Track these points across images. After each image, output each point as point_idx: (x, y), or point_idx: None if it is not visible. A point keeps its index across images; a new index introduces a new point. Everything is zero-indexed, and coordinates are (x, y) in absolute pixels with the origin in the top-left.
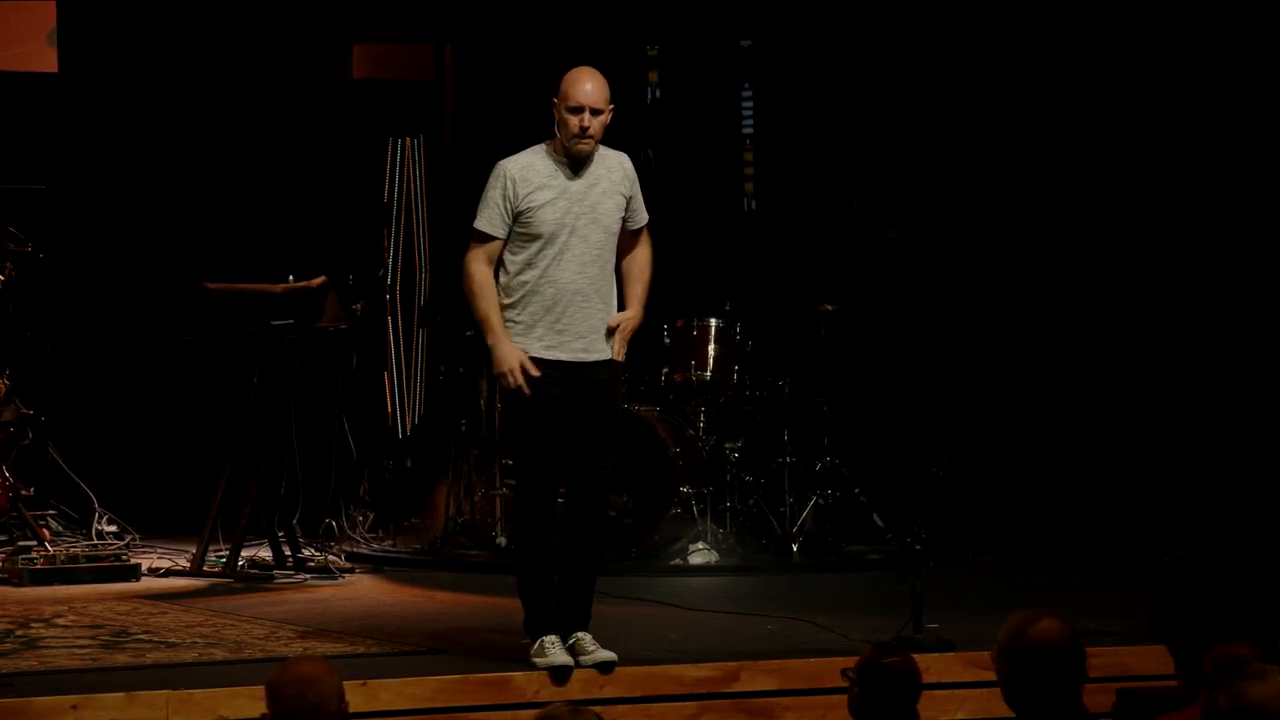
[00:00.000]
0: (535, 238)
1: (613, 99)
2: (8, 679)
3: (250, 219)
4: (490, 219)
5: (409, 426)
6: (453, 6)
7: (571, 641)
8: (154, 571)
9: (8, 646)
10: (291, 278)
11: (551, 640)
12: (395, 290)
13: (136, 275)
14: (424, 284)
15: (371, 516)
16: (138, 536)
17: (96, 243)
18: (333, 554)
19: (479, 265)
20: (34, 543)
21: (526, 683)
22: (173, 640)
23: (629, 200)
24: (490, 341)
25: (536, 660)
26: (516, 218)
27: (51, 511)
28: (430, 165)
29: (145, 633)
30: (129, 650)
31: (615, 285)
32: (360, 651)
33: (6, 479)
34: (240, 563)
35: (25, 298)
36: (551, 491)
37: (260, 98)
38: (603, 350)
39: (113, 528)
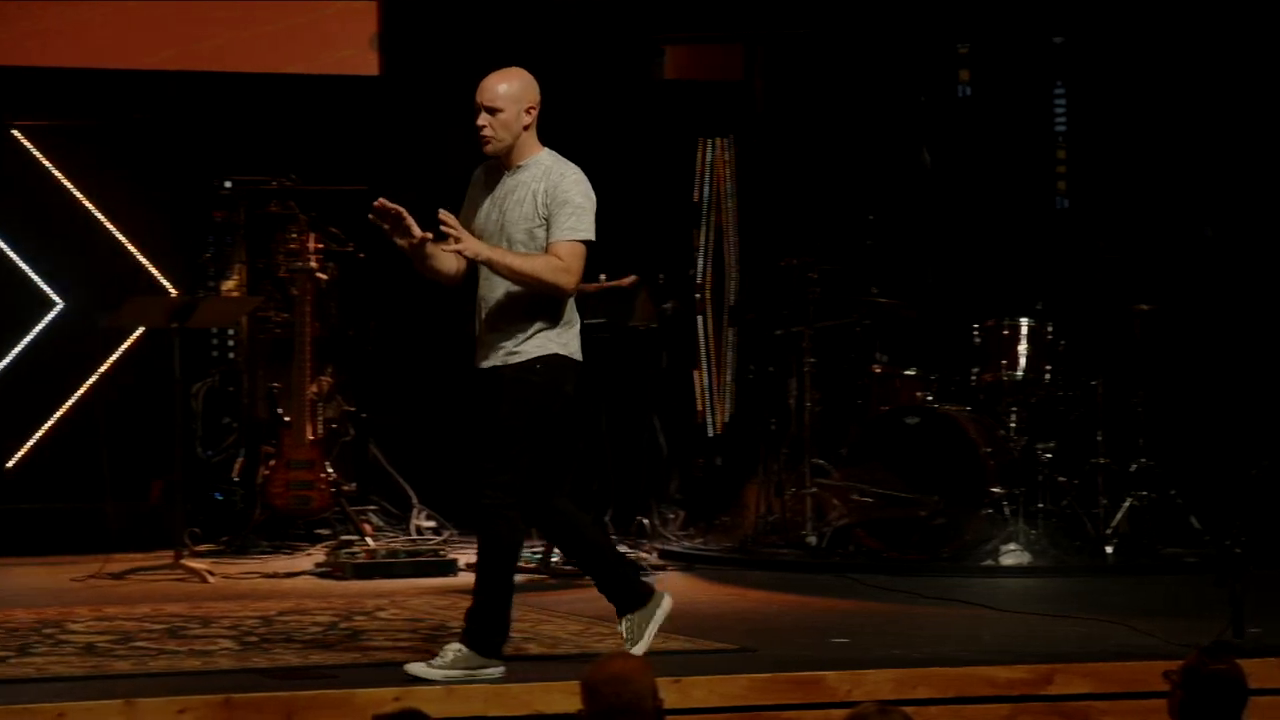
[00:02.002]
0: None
1: (541, 97)
2: (332, 671)
3: None
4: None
5: (719, 425)
6: (763, 7)
7: None
8: (471, 566)
9: (332, 639)
10: (603, 277)
11: None
12: (705, 289)
13: None
14: (734, 283)
15: (682, 514)
16: (455, 532)
17: None
18: (644, 551)
19: None
20: (356, 537)
21: (838, 682)
22: None
23: (548, 214)
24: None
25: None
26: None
27: (373, 507)
28: (740, 165)
29: (463, 626)
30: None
31: (538, 298)
32: (673, 649)
33: (330, 475)
34: (554, 559)
35: (348, 297)
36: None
37: (572, 99)
38: (495, 359)
39: (431, 523)
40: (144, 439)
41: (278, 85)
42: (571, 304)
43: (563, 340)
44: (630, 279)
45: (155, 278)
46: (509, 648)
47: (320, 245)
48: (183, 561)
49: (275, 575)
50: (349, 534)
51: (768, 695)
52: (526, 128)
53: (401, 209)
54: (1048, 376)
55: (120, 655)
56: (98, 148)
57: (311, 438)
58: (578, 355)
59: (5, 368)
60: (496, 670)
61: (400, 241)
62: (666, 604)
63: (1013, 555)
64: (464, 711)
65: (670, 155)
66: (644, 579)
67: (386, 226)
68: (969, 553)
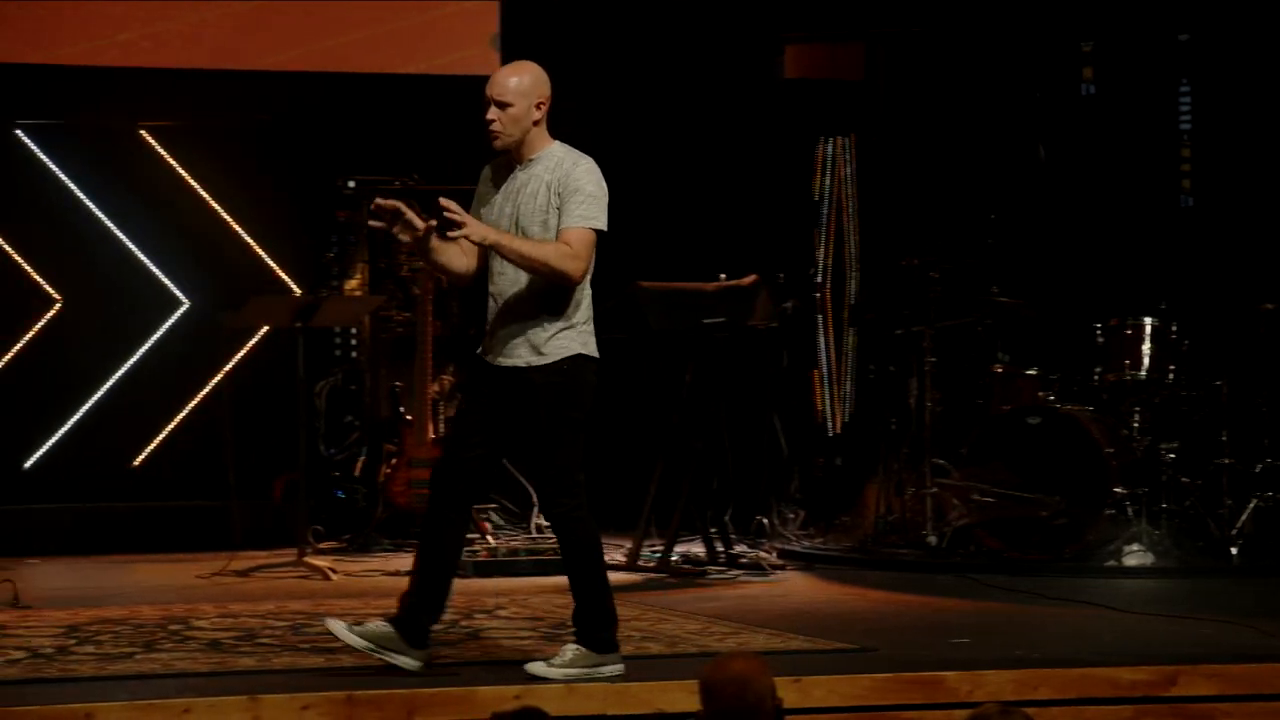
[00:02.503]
0: None
1: (550, 93)
2: (453, 668)
3: (683, 218)
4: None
5: (839, 425)
6: (885, 5)
7: None
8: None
9: (453, 636)
10: (723, 276)
11: None
12: (825, 289)
13: None
14: (854, 282)
15: (802, 514)
16: None
17: None
18: (764, 551)
19: None
20: (477, 536)
21: (959, 682)
22: None
23: (559, 202)
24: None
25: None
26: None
27: (493, 506)
28: (861, 164)
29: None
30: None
31: (555, 294)
32: (793, 648)
33: None
34: (674, 558)
35: (469, 296)
36: (441, 471)
37: (694, 98)
38: (517, 358)
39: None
40: (267, 438)
41: (400, 85)
42: (589, 301)
43: (583, 339)
44: (750, 278)
45: (279, 277)
46: (629, 646)
47: None
48: (306, 559)
49: (397, 573)
50: (469, 533)
51: (888, 695)
52: (537, 122)
53: (399, 203)
54: (1171, 376)
55: (244, 652)
56: (223, 148)
57: (433, 436)
58: (597, 353)
59: (132, 366)
60: (616, 667)
61: (404, 237)
62: (617, 670)
63: (1135, 556)
64: (584, 710)
65: (791, 154)
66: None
67: (386, 225)
68: (1091, 553)
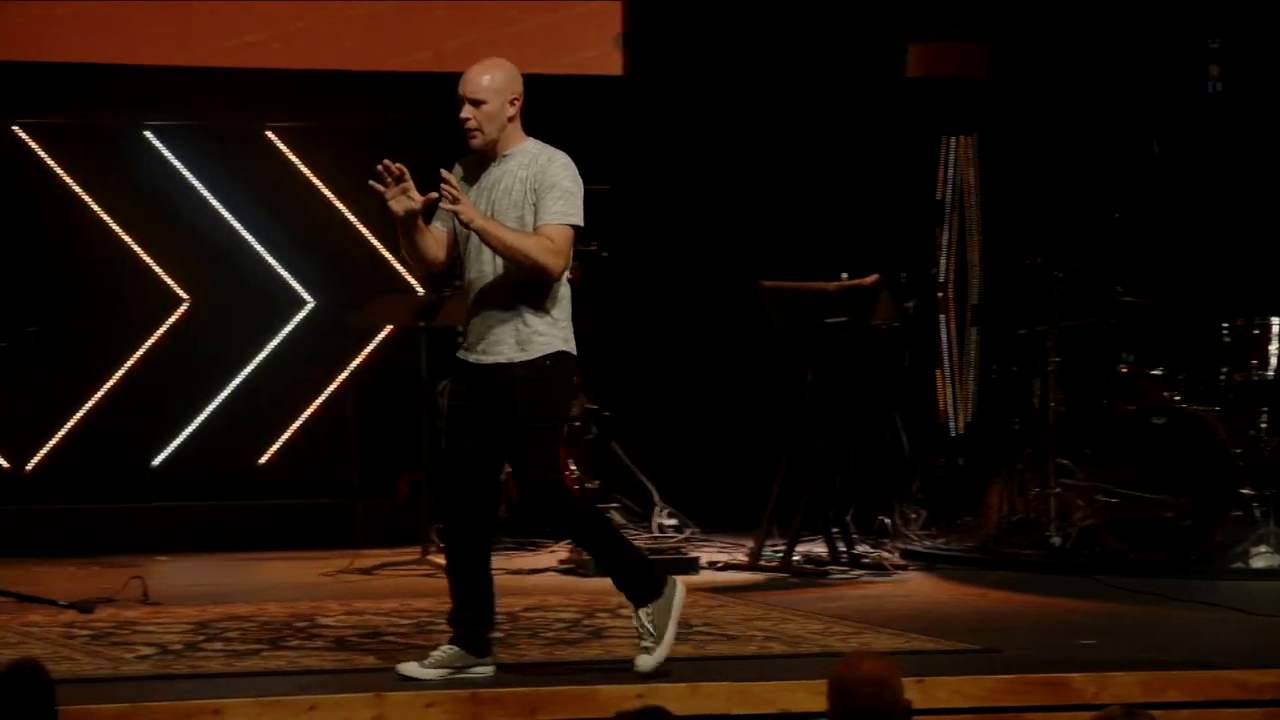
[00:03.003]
0: (461, 235)
1: (523, 89)
2: (576, 667)
3: (804, 217)
4: (440, 219)
5: (961, 425)
6: (1008, 3)
7: None
8: (712, 565)
9: (575, 636)
10: (845, 275)
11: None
12: (948, 288)
13: (696, 274)
14: (977, 282)
15: (924, 514)
16: (697, 530)
17: (658, 242)
18: (886, 550)
19: None
20: None
21: (1084, 684)
22: (732, 633)
23: (535, 199)
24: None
25: None
26: None
27: (615, 504)
28: (984, 162)
29: (705, 625)
30: (690, 642)
31: (535, 289)
32: (916, 648)
33: (573, 473)
34: (796, 558)
35: (591, 296)
36: (445, 485)
37: (817, 97)
38: (498, 354)
39: (673, 521)
40: (391, 437)
41: (525, 85)
42: (568, 296)
43: (565, 336)
44: (872, 278)
45: (403, 277)
46: (752, 645)
47: None
48: (429, 558)
49: (519, 572)
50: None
51: (1012, 696)
52: (511, 119)
53: (404, 167)
54: None
55: (369, 649)
56: (350, 149)
57: None
58: (575, 350)
59: (258, 366)
60: (680, 593)
61: (397, 207)
62: (489, 671)
63: (1263, 558)
64: (707, 709)
65: (914, 153)
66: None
67: (384, 190)
68: (1218, 555)
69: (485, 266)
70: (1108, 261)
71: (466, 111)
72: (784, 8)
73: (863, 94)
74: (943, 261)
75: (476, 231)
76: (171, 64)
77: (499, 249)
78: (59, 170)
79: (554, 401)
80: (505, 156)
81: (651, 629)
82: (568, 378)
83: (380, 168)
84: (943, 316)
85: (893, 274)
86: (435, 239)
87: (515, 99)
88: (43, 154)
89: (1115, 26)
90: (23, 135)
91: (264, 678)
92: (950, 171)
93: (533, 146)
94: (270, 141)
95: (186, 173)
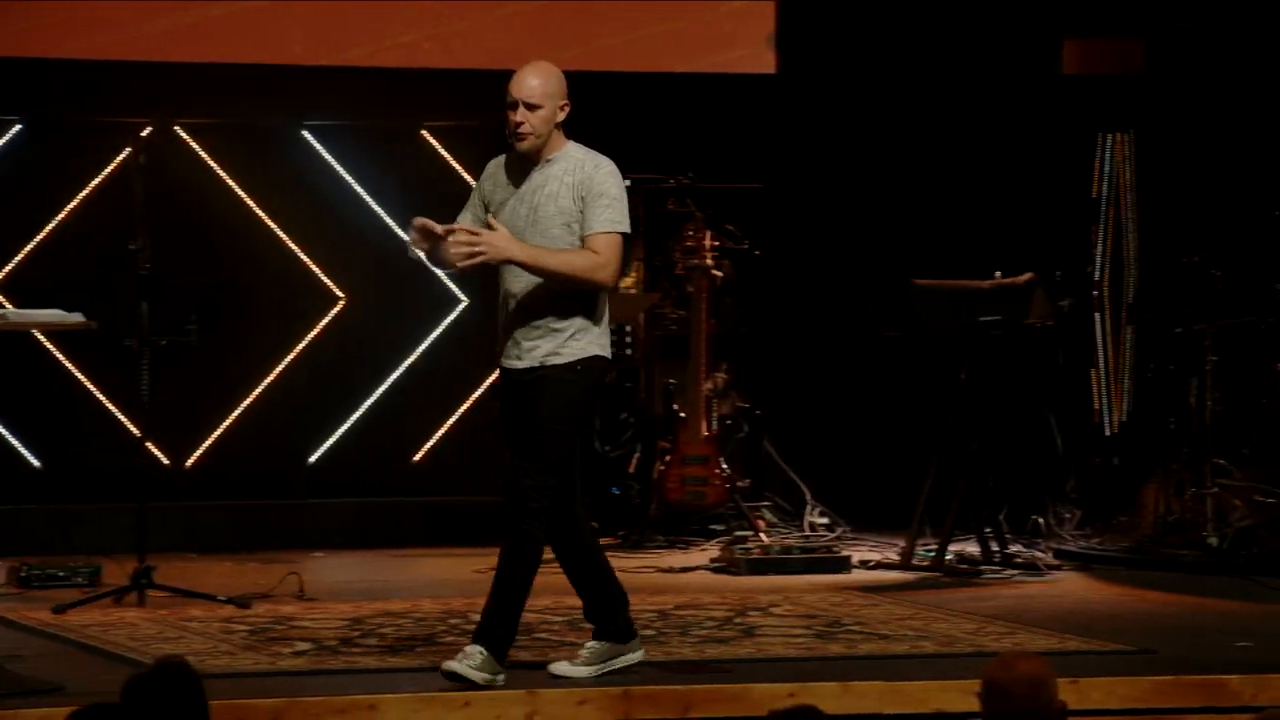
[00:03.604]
0: None
1: (568, 94)
2: (728, 665)
3: (958, 215)
4: (462, 214)
5: (1116, 424)
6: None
7: None
8: (864, 564)
9: (727, 634)
10: (998, 274)
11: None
12: (1103, 286)
13: (847, 272)
14: (1132, 280)
15: (1078, 514)
16: (848, 529)
17: (809, 240)
18: (1040, 550)
19: None
20: (750, 533)
21: (1241, 686)
22: (884, 632)
23: (582, 205)
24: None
25: None
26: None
27: (766, 503)
28: (1141, 159)
29: (857, 624)
30: (842, 641)
31: (575, 294)
32: (1070, 649)
33: (724, 471)
34: (948, 557)
35: (743, 294)
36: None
37: (972, 95)
38: (532, 359)
39: (824, 520)
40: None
41: (675, 84)
42: (605, 300)
43: (601, 341)
44: (1026, 276)
45: None
46: (905, 644)
47: (716, 243)
48: None
49: (671, 570)
50: (743, 530)
51: (1168, 698)
52: (558, 124)
53: (432, 224)
54: None
55: (522, 646)
56: (499, 147)
57: (706, 434)
58: (609, 353)
59: (413, 363)
60: (501, 678)
61: (424, 245)
62: (639, 655)
63: None
64: (859, 709)
65: (1069, 150)
66: (633, 623)
67: (427, 244)
68: None
69: (523, 273)
70: (1266, 259)
71: (520, 115)
72: (939, 5)
73: (1018, 91)
74: (1098, 259)
75: (518, 265)
76: (331, 64)
77: (546, 278)
78: (219, 169)
79: (578, 405)
80: (549, 161)
81: (588, 654)
82: (596, 383)
83: (419, 226)
84: (1098, 315)
85: (1047, 272)
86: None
87: (565, 105)
88: (203, 153)
89: (1272, 19)
90: (184, 135)
91: (418, 674)
92: (1106, 168)
93: (577, 151)
94: (425, 140)
95: (343, 171)
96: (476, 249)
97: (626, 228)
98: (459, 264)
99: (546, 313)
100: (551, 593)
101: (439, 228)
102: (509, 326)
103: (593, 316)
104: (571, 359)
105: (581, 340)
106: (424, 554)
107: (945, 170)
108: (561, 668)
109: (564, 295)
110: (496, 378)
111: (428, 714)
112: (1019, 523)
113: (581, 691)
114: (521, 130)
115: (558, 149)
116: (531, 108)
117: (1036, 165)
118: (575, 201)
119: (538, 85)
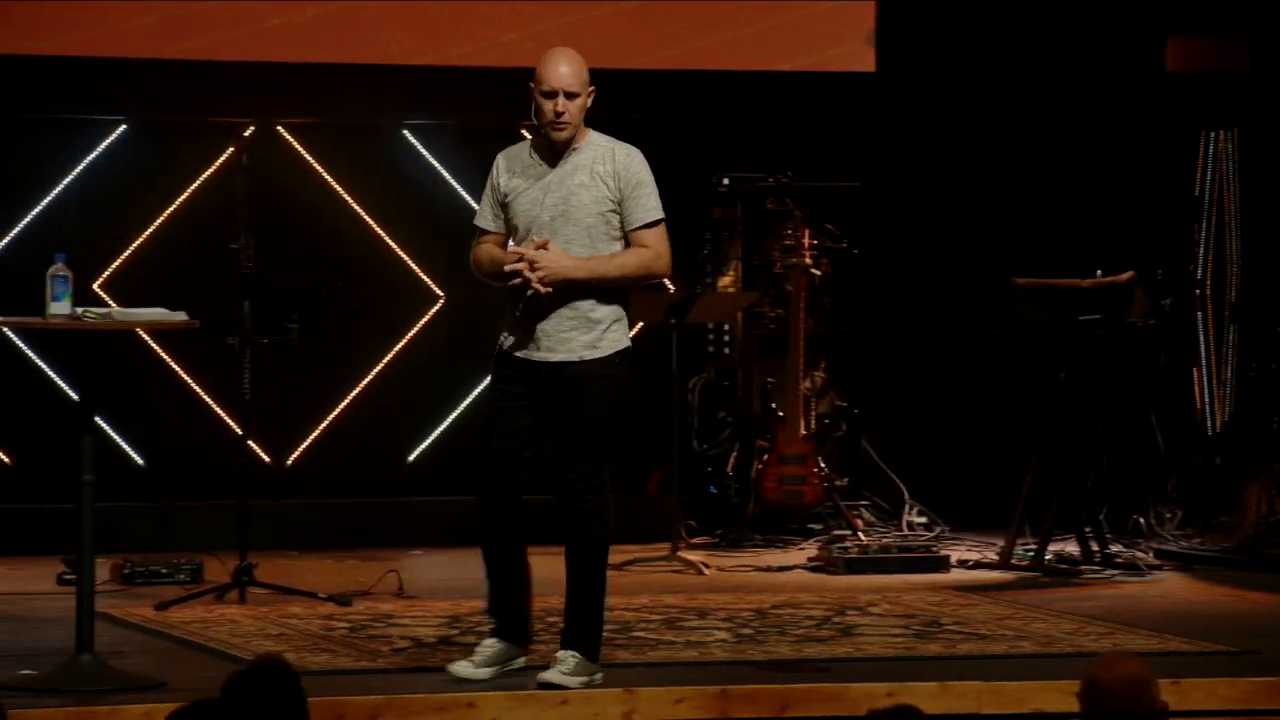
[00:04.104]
0: (514, 230)
1: (592, 81)
2: (825, 664)
3: (1059, 213)
4: (482, 211)
5: (1219, 423)
6: None
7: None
8: (962, 563)
9: (825, 633)
10: (1099, 272)
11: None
12: (1205, 285)
13: (946, 271)
14: (1235, 279)
15: (1180, 514)
16: (946, 528)
17: (908, 239)
18: (1140, 550)
19: (472, 257)
20: (848, 532)
21: None
22: (983, 632)
23: (620, 196)
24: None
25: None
26: (504, 208)
27: (864, 502)
28: (1244, 157)
29: (956, 624)
30: (940, 640)
31: (603, 292)
32: (1170, 649)
33: (822, 470)
34: (1047, 557)
35: (841, 293)
36: (499, 487)
37: (1073, 93)
38: (569, 351)
39: (923, 519)
40: (642, 432)
41: (773, 83)
42: (627, 292)
43: (628, 331)
44: (1127, 274)
45: None
46: (1003, 644)
47: (815, 241)
48: (679, 553)
49: (768, 569)
50: (841, 529)
51: (1270, 699)
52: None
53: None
54: None
55: (620, 645)
56: None
57: (804, 433)
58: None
59: None
60: (599, 676)
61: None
62: (599, 679)
63: None
64: (958, 709)
65: (1172, 148)
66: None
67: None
68: None
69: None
70: None
71: (562, 104)
72: (1041, 2)
73: (1121, 88)
74: (1200, 257)
75: (576, 283)
76: (432, 64)
77: (606, 285)
78: (320, 168)
79: (621, 398)
80: (575, 150)
81: (570, 668)
82: (631, 375)
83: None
84: (1200, 314)
85: (1149, 271)
86: (495, 241)
87: (593, 92)
88: (304, 153)
89: None
90: (286, 135)
91: (516, 672)
92: (1209, 167)
93: (601, 139)
94: (523, 140)
95: (443, 171)
96: (535, 271)
97: (662, 212)
98: (529, 293)
99: (579, 305)
100: (649, 591)
101: (507, 258)
102: (532, 316)
103: (626, 306)
104: (609, 352)
105: (616, 332)
106: None
107: (1046, 168)
108: (553, 676)
109: (594, 291)
110: (507, 369)
111: (525, 712)
112: (1120, 522)
113: (679, 690)
114: (563, 120)
115: (583, 137)
116: (571, 96)
117: (1139, 163)
118: (612, 191)
119: (574, 73)
